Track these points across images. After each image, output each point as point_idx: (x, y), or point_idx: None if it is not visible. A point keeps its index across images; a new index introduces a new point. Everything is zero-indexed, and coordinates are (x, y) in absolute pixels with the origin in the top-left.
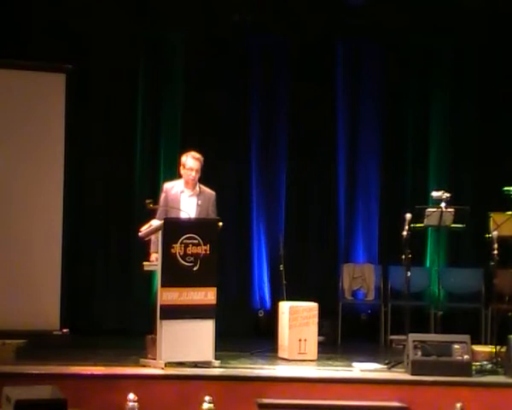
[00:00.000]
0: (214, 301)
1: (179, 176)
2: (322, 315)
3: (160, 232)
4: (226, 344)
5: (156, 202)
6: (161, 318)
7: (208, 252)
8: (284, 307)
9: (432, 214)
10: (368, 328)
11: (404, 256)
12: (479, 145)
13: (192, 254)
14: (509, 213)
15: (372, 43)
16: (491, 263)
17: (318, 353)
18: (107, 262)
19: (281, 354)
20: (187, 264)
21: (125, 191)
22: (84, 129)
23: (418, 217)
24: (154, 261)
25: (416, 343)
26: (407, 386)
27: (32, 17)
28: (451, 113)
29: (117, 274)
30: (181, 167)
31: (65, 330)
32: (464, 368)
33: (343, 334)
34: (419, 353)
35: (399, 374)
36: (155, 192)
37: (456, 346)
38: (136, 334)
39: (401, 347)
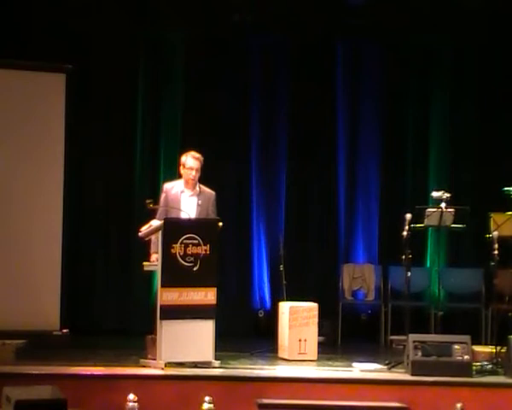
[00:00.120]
0: (214, 302)
1: (179, 176)
2: (322, 315)
3: (160, 232)
4: (226, 344)
5: (156, 202)
6: (161, 318)
7: (208, 252)
8: (284, 307)
9: (432, 214)
10: (368, 328)
11: (404, 256)
12: (479, 145)
13: (192, 255)
14: (510, 213)
15: (372, 43)
16: (491, 263)
17: (318, 353)
18: (107, 262)
19: (281, 354)
20: (187, 264)
21: (125, 191)
22: (84, 129)
23: (418, 217)
24: (155, 261)
25: (417, 344)
26: (407, 386)
27: (32, 17)
28: (451, 113)
29: (117, 274)
30: (181, 167)
31: (65, 331)
32: (464, 368)
33: (343, 334)
34: (419, 353)
35: (399, 374)
36: (155, 192)
37: (457, 346)
38: (136, 334)
39: (401, 347)
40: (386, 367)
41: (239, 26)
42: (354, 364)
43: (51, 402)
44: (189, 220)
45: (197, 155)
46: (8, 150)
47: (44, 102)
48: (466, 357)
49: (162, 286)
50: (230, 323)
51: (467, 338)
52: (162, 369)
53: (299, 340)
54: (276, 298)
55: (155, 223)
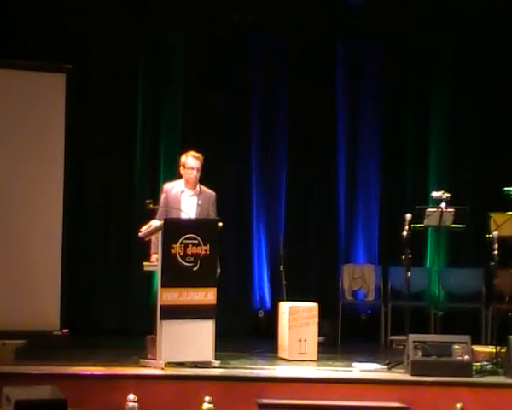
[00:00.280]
0: (214, 302)
1: (179, 176)
2: (322, 315)
3: (160, 232)
4: (226, 344)
5: (156, 202)
6: (161, 318)
7: (208, 252)
8: (284, 307)
9: (432, 214)
10: (368, 328)
11: (404, 256)
12: (479, 145)
13: (192, 255)
14: (510, 213)
15: (372, 43)
16: (491, 263)
17: (318, 353)
18: (107, 262)
19: (281, 354)
20: (187, 264)
21: (125, 191)
22: (84, 129)
23: (418, 217)
24: (155, 262)
25: (417, 344)
26: (407, 386)
27: (32, 17)
28: (451, 113)
29: (117, 274)
30: (181, 168)
31: (65, 331)
32: (464, 368)
33: (343, 334)
34: (419, 353)
35: (399, 374)
36: (155, 192)
37: (457, 346)
38: (136, 334)
39: (401, 347)
40: (386, 367)
41: (239, 26)
42: (354, 364)
43: (51, 402)
44: (189, 220)
45: (197, 154)
46: (8, 150)
47: (44, 102)
48: (466, 357)
49: (162, 286)
50: (230, 323)
51: (467, 338)
52: (162, 369)
53: (299, 340)
54: (276, 298)
55: (155, 223)
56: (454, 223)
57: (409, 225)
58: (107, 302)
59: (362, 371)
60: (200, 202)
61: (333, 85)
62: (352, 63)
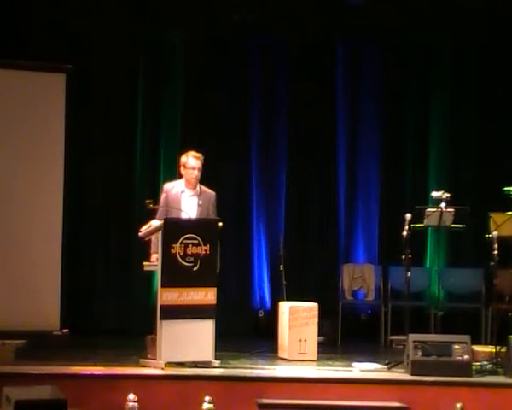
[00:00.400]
0: (214, 301)
1: (179, 176)
2: (322, 315)
3: (160, 232)
4: (226, 344)
5: (156, 202)
6: (161, 318)
7: (208, 252)
8: (284, 307)
9: (432, 214)
10: (368, 328)
11: (404, 256)
12: (479, 145)
13: (192, 254)
14: (509, 213)
15: (372, 43)
16: (491, 263)
17: (318, 353)
18: (107, 262)
19: (281, 354)
20: (187, 264)
21: (125, 191)
22: (84, 129)
23: (418, 217)
24: (155, 261)
25: (416, 343)
26: (407, 386)
27: (32, 17)
28: (451, 113)
29: (117, 274)
30: (181, 168)
31: (65, 331)
32: (464, 368)
33: (343, 334)
34: (419, 353)
35: (399, 374)
36: (155, 192)
37: (457, 346)
38: (136, 334)
39: (401, 347)
40: (386, 367)
41: (239, 26)
42: (354, 364)
43: (51, 402)
44: (189, 220)
45: (197, 154)
46: (8, 150)
47: (44, 102)
48: (466, 357)
49: (162, 286)
50: (230, 323)
51: (467, 338)
52: (162, 369)
53: (299, 340)
54: (276, 298)
55: (155, 223)
56: (454, 223)
57: (409, 225)
58: (107, 302)
59: (362, 371)
60: (200, 202)
61: (333, 85)
62: (352, 63)
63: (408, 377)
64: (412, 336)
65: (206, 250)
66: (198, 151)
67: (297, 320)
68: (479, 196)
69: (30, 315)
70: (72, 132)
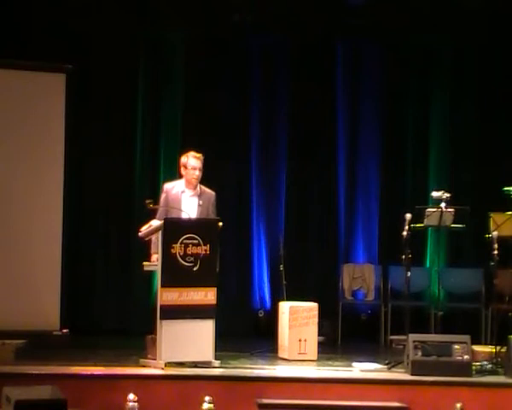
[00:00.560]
0: (214, 301)
1: (179, 176)
2: (322, 315)
3: (160, 232)
4: (226, 344)
5: (156, 202)
6: (161, 318)
7: (208, 252)
8: (284, 307)
9: (432, 214)
10: (368, 328)
11: (404, 256)
12: (479, 145)
13: (192, 254)
14: (509, 213)
15: (372, 43)
16: (491, 263)
17: (318, 353)
18: (107, 262)
19: (281, 354)
20: (187, 264)
21: (125, 191)
22: (84, 129)
23: (418, 217)
24: (155, 262)
25: (416, 343)
26: (407, 386)
27: (32, 17)
28: (451, 113)
29: (117, 274)
30: (182, 168)
31: (65, 331)
32: (464, 368)
33: (343, 334)
34: (419, 353)
35: (399, 374)
36: (155, 192)
37: (457, 346)
38: (136, 334)
39: (401, 347)
40: (386, 367)
41: (239, 26)
42: (354, 364)
43: (51, 402)
44: (189, 220)
45: (198, 154)
46: (8, 150)
47: (44, 102)
48: (466, 357)
49: (162, 286)
50: (230, 323)
51: (467, 338)
52: (162, 369)
53: (299, 340)
54: (276, 298)
55: (155, 223)
56: (454, 223)
57: (409, 225)
58: (107, 302)
59: (362, 371)
60: (201, 202)
61: (333, 85)
62: (352, 63)
63: (408, 377)
64: (412, 336)
65: (206, 250)
66: (198, 151)
67: (297, 320)
68: (479, 196)
69: (30, 315)
70: (72, 132)
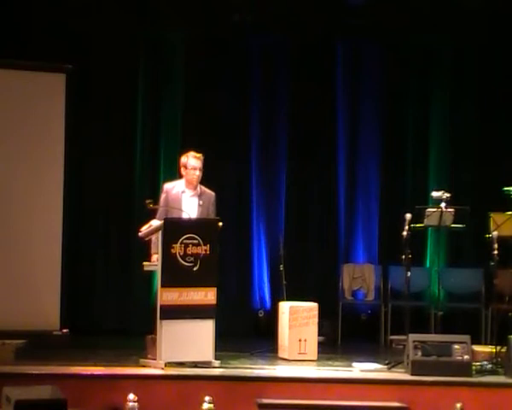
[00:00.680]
0: (214, 301)
1: (179, 176)
2: (322, 315)
3: (160, 232)
4: (226, 344)
5: (156, 202)
6: (161, 318)
7: (208, 252)
8: (284, 307)
9: (432, 214)
10: (368, 328)
11: (404, 256)
12: (479, 145)
13: (192, 254)
14: (509, 213)
15: (372, 43)
16: (491, 263)
17: (318, 353)
18: (107, 262)
19: (281, 354)
20: (187, 264)
21: (125, 191)
22: (84, 129)
23: (418, 217)
24: (155, 261)
25: (416, 343)
26: (407, 386)
27: (32, 17)
28: (451, 113)
29: (117, 274)
30: (182, 168)
31: (65, 331)
32: (464, 368)
33: (343, 334)
34: (419, 353)
35: (399, 374)
36: (155, 192)
37: (457, 346)
38: (136, 334)
39: (401, 347)
40: (386, 367)
41: (239, 26)
42: (354, 364)
43: (51, 402)
44: (189, 220)
45: (198, 154)
46: (8, 150)
47: (44, 102)
48: (466, 357)
49: (162, 286)
50: (230, 323)
51: (467, 338)
52: (162, 369)
53: (299, 340)
54: (276, 298)
55: (155, 223)
56: (454, 223)
57: (409, 225)
58: (107, 302)
59: (362, 371)
60: (201, 202)
61: (333, 85)
62: (352, 63)
63: (408, 377)
64: (412, 336)
65: (206, 250)
66: (198, 151)
67: (297, 320)
68: (479, 196)
69: (30, 315)
70: (72, 132)
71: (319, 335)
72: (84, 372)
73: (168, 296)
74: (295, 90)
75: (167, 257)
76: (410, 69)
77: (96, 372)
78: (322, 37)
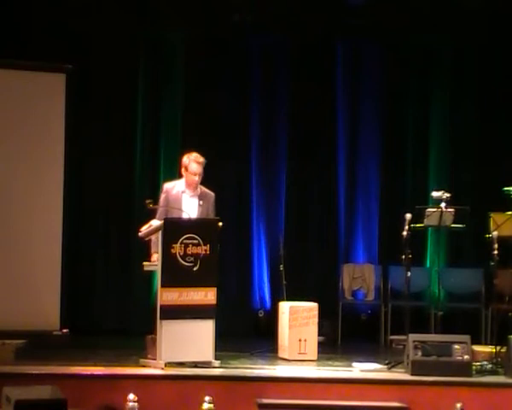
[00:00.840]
0: (214, 301)
1: (179, 176)
2: (322, 315)
3: (160, 232)
4: (226, 344)
5: (156, 202)
6: (161, 318)
7: (208, 252)
8: (284, 307)
9: (432, 214)
10: (368, 328)
11: (404, 256)
12: (479, 145)
13: (192, 254)
14: (509, 213)
15: (372, 43)
16: (491, 263)
17: (318, 353)
18: (107, 262)
19: (281, 354)
20: (187, 264)
21: (125, 191)
22: (84, 129)
23: (418, 217)
24: (155, 261)
25: (416, 343)
26: (407, 386)
27: (32, 17)
28: (451, 113)
29: (117, 274)
30: (182, 169)
31: (65, 331)
32: (464, 368)
33: (343, 334)
34: (419, 353)
35: (399, 374)
36: (155, 192)
37: (457, 346)
38: (136, 334)
39: (401, 347)
40: (386, 367)
41: (239, 26)
42: (354, 364)
43: (51, 402)
44: (189, 220)
45: (200, 159)
46: (8, 150)
47: (44, 102)
48: (466, 357)
49: (162, 286)
50: (230, 323)
51: (467, 338)
52: (162, 369)
53: (299, 340)
54: (276, 298)
55: (155, 223)
56: (454, 223)
57: (409, 225)
58: (107, 302)
59: (362, 371)
60: (201, 202)
61: (333, 85)
62: (352, 63)
63: (408, 377)
64: (412, 336)
65: (206, 250)
66: (198, 151)
67: (297, 320)
68: (479, 196)
69: (30, 315)
70: (72, 132)
71: (319, 335)
72: (84, 372)
73: (168, 296)
74: (295, 90)
75: (167, 257)
76: (410, 69)
77: (95, 372)
78: (322, 37)
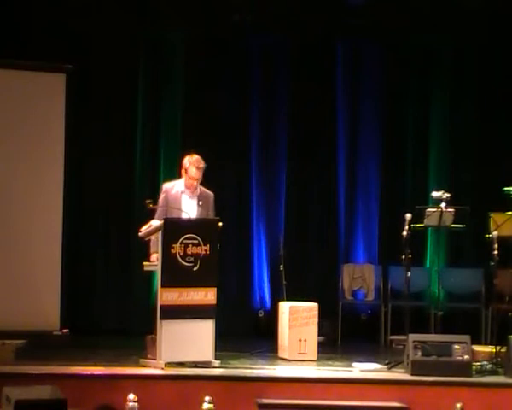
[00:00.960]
0: (214, 301)
1: (179, 176)
2: (322, 315)
3: (160, 232)
4: (226, 344)
5: (156, 202)
6: (161, 318)
7: (208, 252)
8: (284, 307)
9: (432, 214)
10: (368, 328)
11: (404, 256)
12: (479, 145)
13: (192, 254)
14: (509, 213)
15: (372, 43)
16: (491, 263)
17: (318, 353)
18: (107, 262)
19: (281, 354)
20: (187, 264)
21: (125, 191)
22: (84, 129)
23: (418, 217)
24: (155, 261)
25: (416, 343)
26: (407, 386)
27: (32, 17)
28: (451, 113)
29: (117, 274)
30: (183, 170)
31: (65, 331)
32: (464, 368)
33: (343, 334)
34: (419, 353)
35: (399, 374)
36: (155, 192)
37: (457, 346)
38: (136, 334)
39: (401, 347)
40: (386, 367)
41: (239, 26)
42: (354, 364)
43: (51, 402)
44: (189, 220)
45: (201, 164)
46: (8, 150)
47: (44, 102)
48: (466, 357)
49: (162, 286)
50: (230, 323)
51: (467, 338)
52: (162, 369)
53: (299, 340)
54: (276, 298)
55: (155, 223)
56: (454, 223)
57: (409, 225)
58: (107, 302)
59: (362, 371)
60: (200, 202)
61: (333, 85)
62: (352, 63)
63: (408, 377)
64: (412, 336)
65: (206, 250)
66: (198, 152)
67: (297, 320)
68: (479, 196)
69: (30, 315)
70: (72, 132)
71: (319, 335)
72: (84, 372)
73: (168, 296)
74: (295, 90)
75: (167, 257)
76: (410, 69)
77: (95, 372)
78: (322, 37)
